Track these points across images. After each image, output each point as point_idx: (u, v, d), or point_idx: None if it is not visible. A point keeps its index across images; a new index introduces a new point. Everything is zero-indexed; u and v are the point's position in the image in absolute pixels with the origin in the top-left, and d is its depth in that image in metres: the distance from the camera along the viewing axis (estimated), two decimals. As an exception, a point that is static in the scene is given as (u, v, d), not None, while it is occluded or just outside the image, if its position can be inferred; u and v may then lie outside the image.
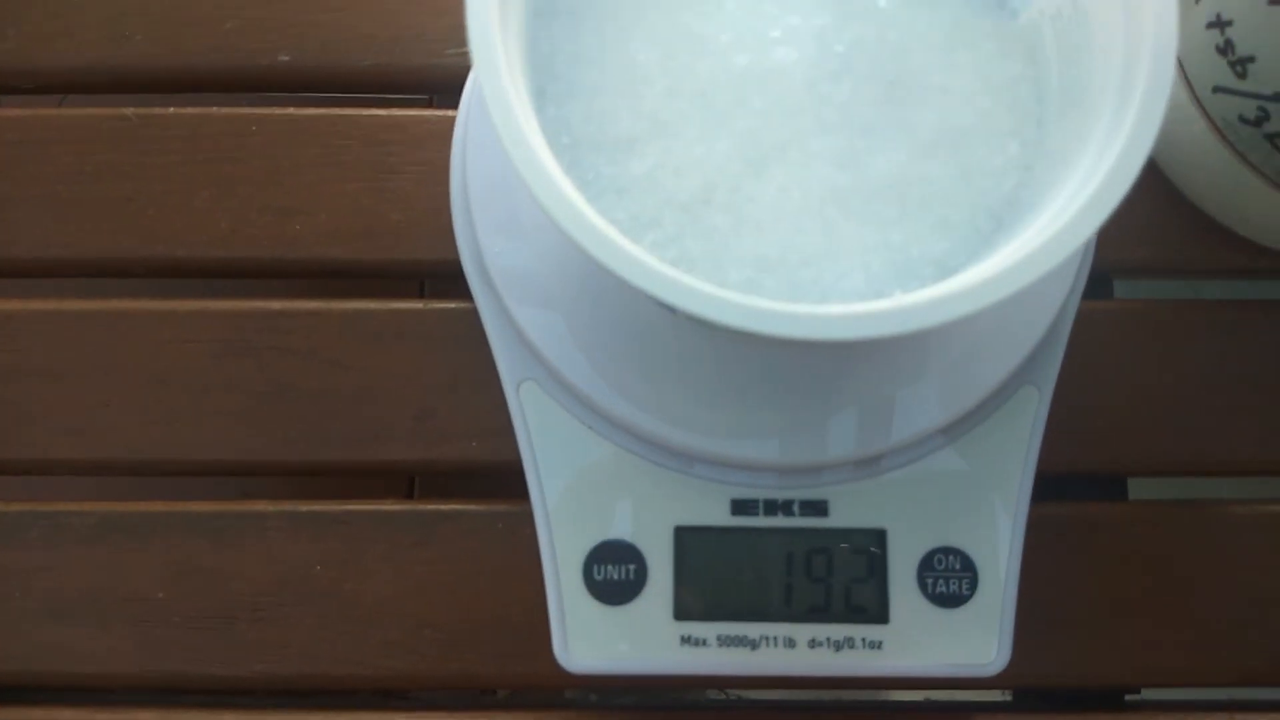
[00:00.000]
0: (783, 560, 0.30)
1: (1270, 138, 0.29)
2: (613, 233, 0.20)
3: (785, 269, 0.23)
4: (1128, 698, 0.34)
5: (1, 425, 0.33)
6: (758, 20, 0.23)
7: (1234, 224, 0.34)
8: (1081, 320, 0.33)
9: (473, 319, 0.32)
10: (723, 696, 0.36)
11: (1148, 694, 0.34)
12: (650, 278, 0.20)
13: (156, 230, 0.34)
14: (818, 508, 0.30)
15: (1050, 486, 0.33)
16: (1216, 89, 0.30)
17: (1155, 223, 0.34)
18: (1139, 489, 0.35)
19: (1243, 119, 0.29)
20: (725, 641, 0.30)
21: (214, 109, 0.35)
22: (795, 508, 0.30)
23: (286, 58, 0.35)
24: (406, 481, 0.40)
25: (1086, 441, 0.33)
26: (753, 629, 0.30)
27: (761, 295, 0.21)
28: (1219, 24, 0.29)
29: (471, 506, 0.33)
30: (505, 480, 0.32)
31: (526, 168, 0.20)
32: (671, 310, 0.28)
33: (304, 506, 0.33)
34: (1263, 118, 0.29)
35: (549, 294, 0.30)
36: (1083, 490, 0.35)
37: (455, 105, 0.32)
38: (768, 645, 0.30)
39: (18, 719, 0.32)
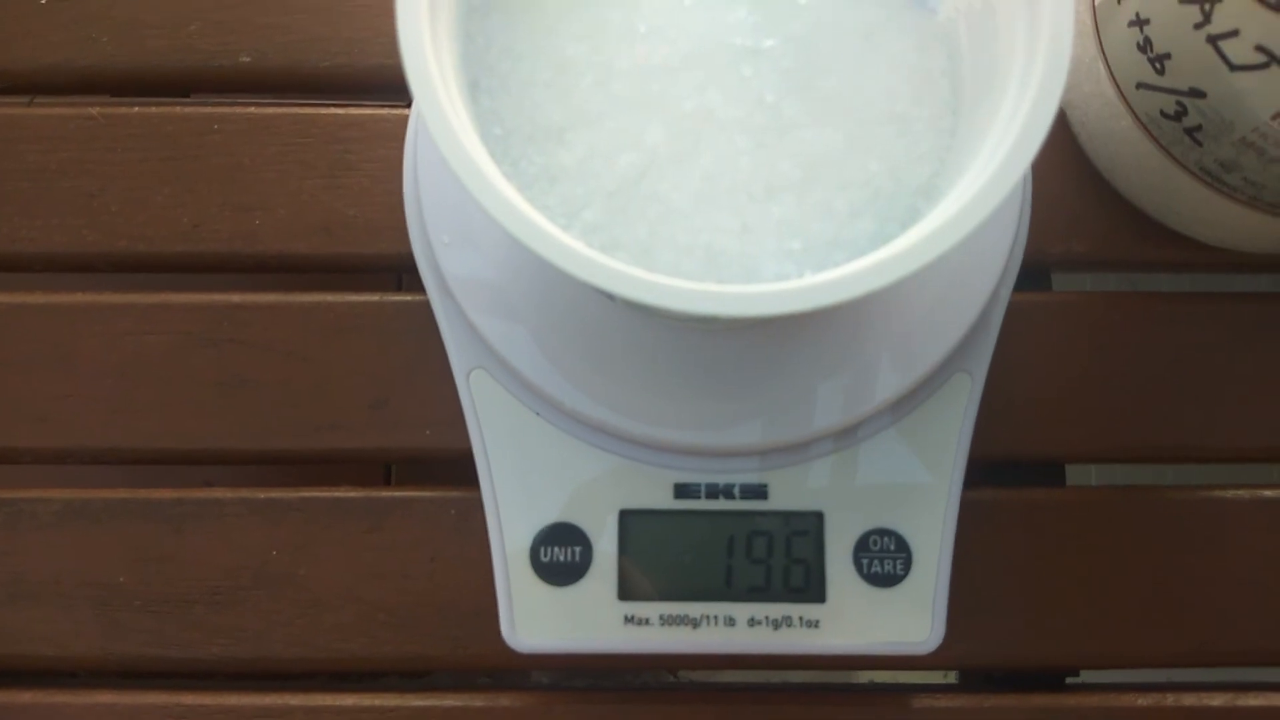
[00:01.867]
0: (724, 542, 0.31)
1: (1189, 132, 0.30)
2: (533, 213, 0.21)
3: (709, 253, 0.24)
4: (1068, 680, 0.35)
5: (-34, 415, 0.34)
6: (681, 15, 0.25)
7: (1165, 218, 0.35)
8: (1019, 312, 0.34)
9: (427, 312, 0.33)
10: (673, 679, 0.37)
11: (1087, 675, 0.35)
12: (555, 249, 0.21)
13: (120, 225, 0.35)
14: (758, 491, 0.31)
15: (990, 473, 0.34)
16: (1139, 85, 0.31)
17: (1092, 218, 0.36)
18: (1076, 476, 0.36)
19: (1164, 114, 0.31)
20: (667, 621, 0.31)
21: (177, 108, 0.36)
22: (736, 491, 0.31)
23: (247, 59, 0.36)
24: (378, 469, 0.41)
25: (1025, 428, 0.34)
26: (694, 608, 0.31)
27: (684, 278, 0.22)
28: (1138, 22, 0.30)
29: (424, 493, 0.34)
30: (460, 468, 0.33)
31: (452, 154, 0.21)
32: (610, 297, 0.29)
33: (261, 494, 0.34)
34: (1181, 112, 0.30)
35: (496, 284, 0.31)
36: (1023, 477, 0.36)
37: (410, 104, 0.33)
38: (708, 624, 0.31)
39: (-20, 701, 0.33)
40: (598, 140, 0.24)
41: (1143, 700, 0.33)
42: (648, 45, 0.24)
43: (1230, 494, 0.34)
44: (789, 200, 0.24)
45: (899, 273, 0.21)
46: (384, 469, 0.41)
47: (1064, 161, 0.35)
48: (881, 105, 0.25)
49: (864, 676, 0.36)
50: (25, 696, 0.33)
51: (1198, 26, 0.27)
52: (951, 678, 0.37)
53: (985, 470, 0.33)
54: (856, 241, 0.25)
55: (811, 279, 0.21)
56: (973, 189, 0.22)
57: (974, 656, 0.34)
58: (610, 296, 0.29)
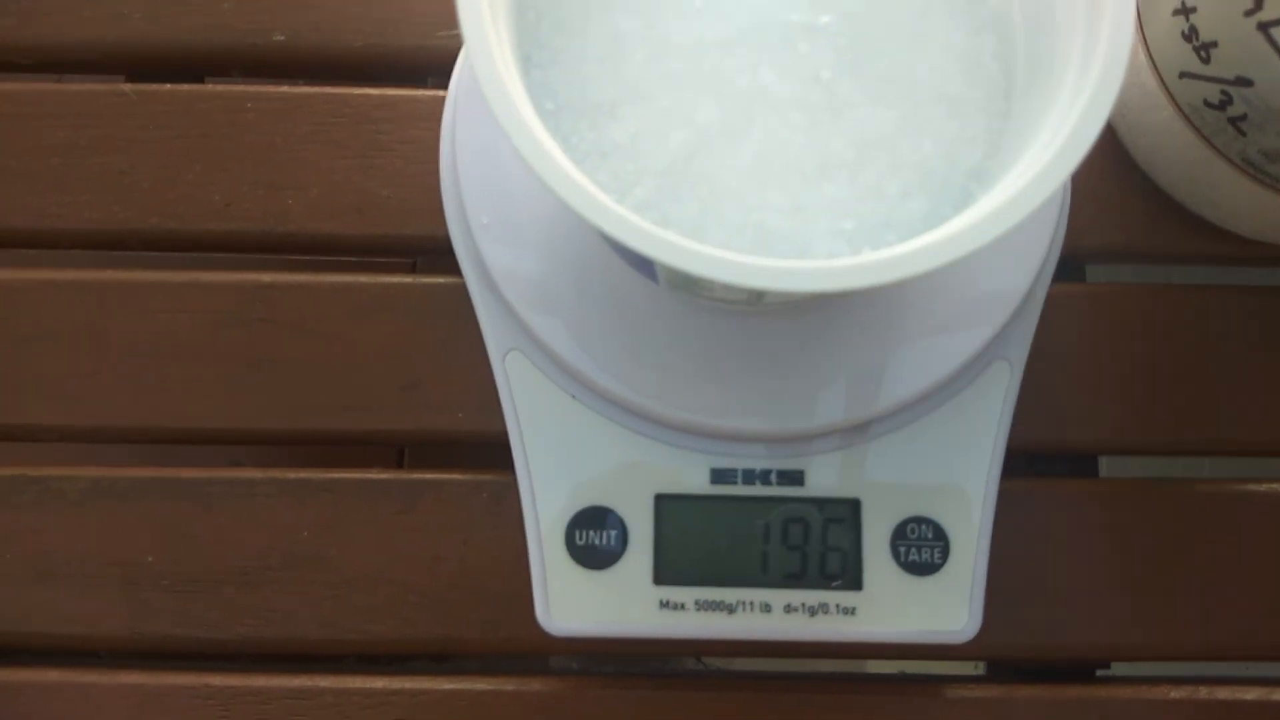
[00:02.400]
0: (760, 528, 0.31)
1: (1234, 121, 0.30)
2: (591, 185, 0.21)
3: (760, 232, 0.24)
4: (1098, 672, 0.35)
5: (-5, 391, 0.34)
6: (736, -8, 0.24)
7: (1203, 210, 0.35)
8: (1054, 303, 0.33)
9: (460, 294, 0.33)
10: (701, 667, 0.37)
11: (1118, 668, 0.35)
12: (628, 229, 0.20)
13: (151, 203, 0.35)
14: (795, 477, 0.31)
15: (1024, 463, 0.34)
16: (1183, 75, 0.31)
17: (1127, 210, 0.35)
18: (1110, 468, 0.36)
19: (1208, 103, 0.30)
20: (703, 606, 0.30)
21: (209, 85, 0.35)
22: (773, 477, 0.31)
23: (281, 38, 0.36)
24: (396, 453, 0.40)
25: (1059, 420, 0.34)
26: (730, 594, 0.30)
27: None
28: (1184, 10, 0.30)
29: (456, 476, 0.33)
30: (491, 452, 0.33)
31: (513, 127, 0.21)
32: (654, 278, 0.29)
33: (291, 474, 0.33)
34: (1226, 101, 0.30)
35: (535, 266, 0.31)
36: (1056, 468, 0.35)
37: (445, 86, 0.33)
38: (744, 610, 0.30)
39: (5, 680, 0.32)
40: (650, 117, 0.24)
41: (1175, 693, 0.33)
42: (702, 20, 0.24)
43: (1265, 487, 0.34)
44: (842, 180, 0.24)
45: (957, 253, 0.21)
46: (397, 453, 0.41)
47: (1101, 152, 0.35)
48: (934, 86, 0.25)
49: (892, 667, 0.36)
50: (51, 676, 0.32)
51: (1248, 14, 0.27)
52: (980, 669, 0.37)
53: (1019, 461, 0.33)
54: (909, 222, 0.24)
55: (870, 256, 0.21)
56: (1030, 173, 0.21)
57: (1005, 647, 0.33)
58: (654, 276, 0.29)
